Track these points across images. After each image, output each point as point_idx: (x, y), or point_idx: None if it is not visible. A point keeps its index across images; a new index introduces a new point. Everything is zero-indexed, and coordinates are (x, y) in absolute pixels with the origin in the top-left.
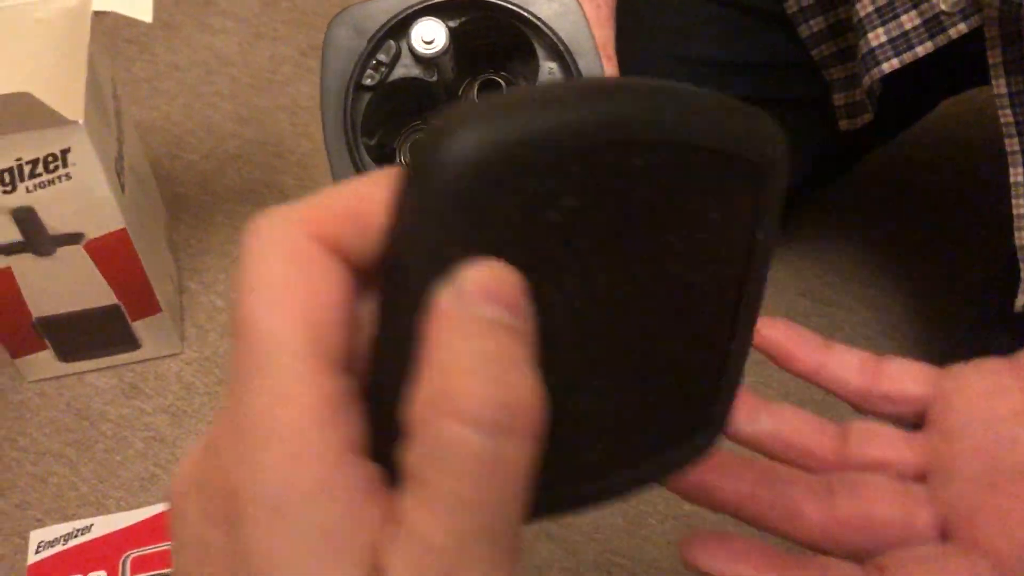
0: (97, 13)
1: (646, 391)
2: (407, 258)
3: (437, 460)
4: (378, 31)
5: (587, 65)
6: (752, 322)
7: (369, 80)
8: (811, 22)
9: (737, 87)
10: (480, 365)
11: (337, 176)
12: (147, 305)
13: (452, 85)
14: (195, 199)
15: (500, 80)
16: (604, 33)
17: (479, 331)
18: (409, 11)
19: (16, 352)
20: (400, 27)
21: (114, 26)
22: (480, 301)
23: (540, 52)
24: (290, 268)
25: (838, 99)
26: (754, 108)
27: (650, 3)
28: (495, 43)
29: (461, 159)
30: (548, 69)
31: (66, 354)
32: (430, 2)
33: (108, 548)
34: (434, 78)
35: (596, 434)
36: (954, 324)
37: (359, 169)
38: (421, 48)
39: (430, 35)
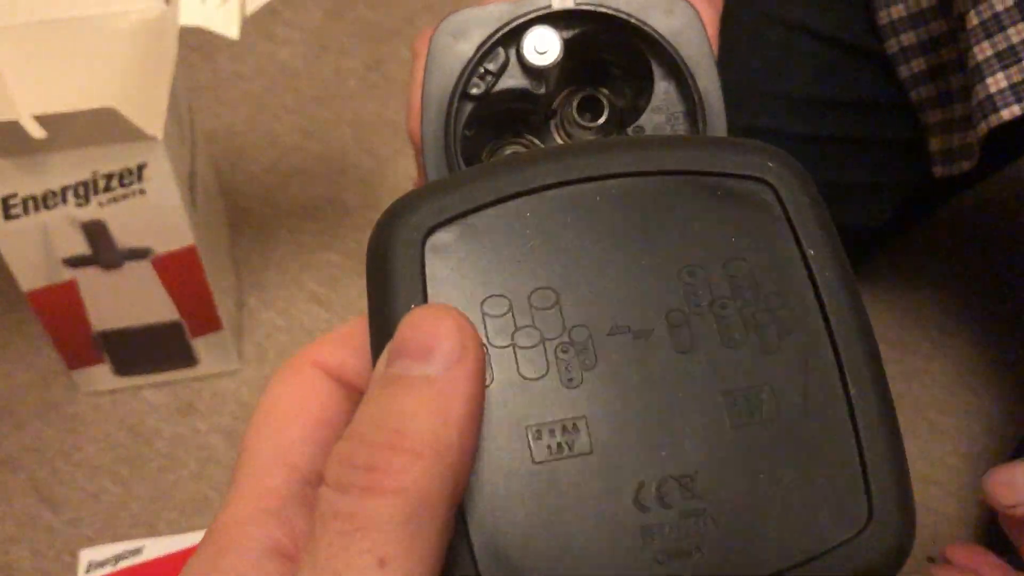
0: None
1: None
2: (372, 332)
3: (313, 525)
4: (488, 38)
5: (706, 86)
6: (872, 368)
7: (475, 89)
8: (912, 63)
9: (828, 126)
10: (352, 428)
11: None
12: (209, 322)
13: (549, 99)
14: (257, 212)
15: (601, 97)
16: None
17: (370, 394)
18: (522, 19)
19: (73, 364)
20: (511, 35)
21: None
22: (384, 362)
23: (657, 71)
24: (284, 388)
25: (934, 144)
26: (743, 139)
27: (745, 35)
28: (602, 57)
29: (394, 234)
30: (663, 89)
31: (122, 368)
32: (545, 11)
33: (159, 572)
34: (542, 90)
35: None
36: None
37: None
38: (534, 58)
39: (544, 45)
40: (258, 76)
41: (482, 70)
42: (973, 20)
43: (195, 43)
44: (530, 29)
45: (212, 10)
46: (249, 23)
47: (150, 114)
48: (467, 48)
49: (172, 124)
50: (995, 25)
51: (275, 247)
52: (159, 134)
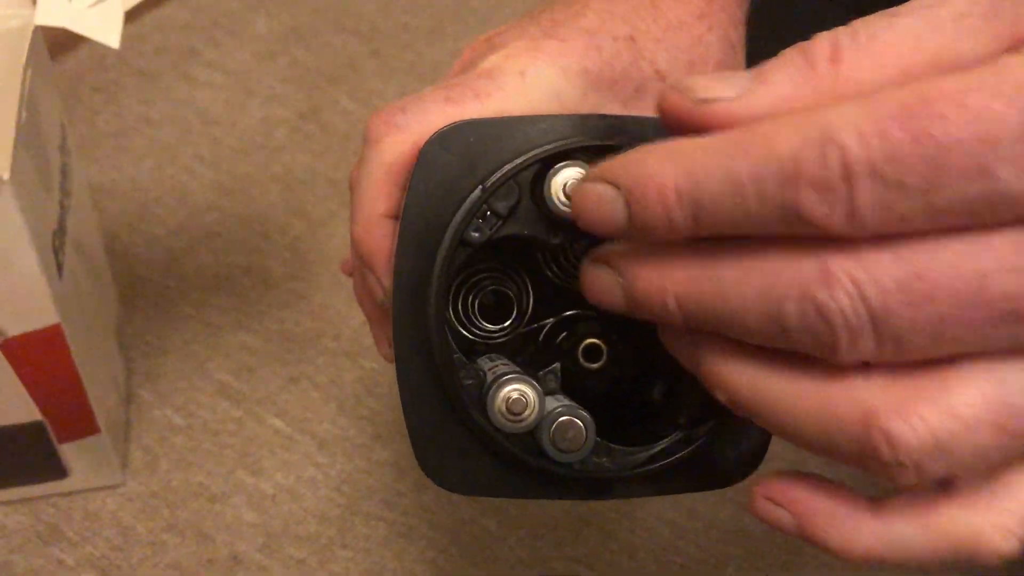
0: (56, 57)
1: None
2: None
3: None
4: (505, 171)
5: None
6: None
7: (476, 234)
8: None
9: None
10: None
11: (405, 386)
12: (81, 424)
13: (561, 249)
14: (157, 284)
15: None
16: None
17: None
18: (550, 151)
19: None
20: (529, 168)
21: (78, 70)
22: None
23: None
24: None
25: None
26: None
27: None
28: None
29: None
30: None
31: None
32: (583, 143)
33: None
34: (557, 240)
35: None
36: None
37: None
38: (560, 204)
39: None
40: (170, 122)
41: (487, 210)
42: None
43: (98, 83)
44: (561, 165)
45: (81, 10)
46: (165, 60)
47: None
48: (467, 177)
49: (29, 164)
50: None
51: (176, 326)
52: (4, 173)
